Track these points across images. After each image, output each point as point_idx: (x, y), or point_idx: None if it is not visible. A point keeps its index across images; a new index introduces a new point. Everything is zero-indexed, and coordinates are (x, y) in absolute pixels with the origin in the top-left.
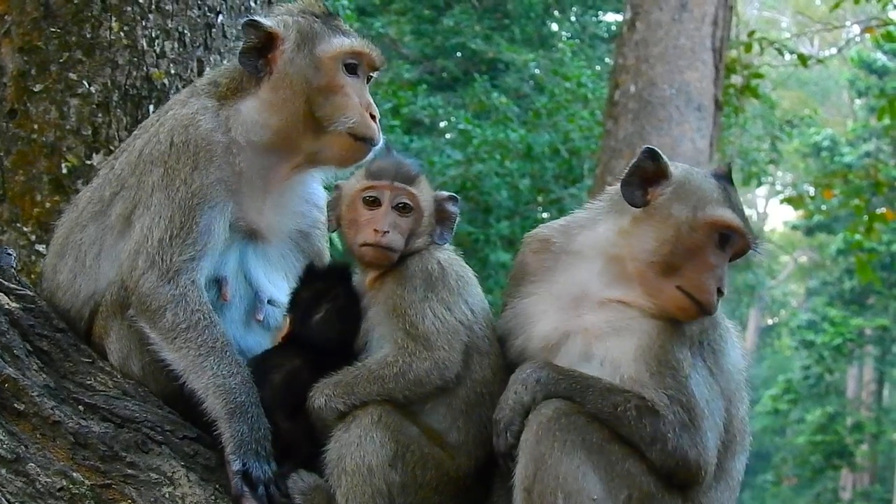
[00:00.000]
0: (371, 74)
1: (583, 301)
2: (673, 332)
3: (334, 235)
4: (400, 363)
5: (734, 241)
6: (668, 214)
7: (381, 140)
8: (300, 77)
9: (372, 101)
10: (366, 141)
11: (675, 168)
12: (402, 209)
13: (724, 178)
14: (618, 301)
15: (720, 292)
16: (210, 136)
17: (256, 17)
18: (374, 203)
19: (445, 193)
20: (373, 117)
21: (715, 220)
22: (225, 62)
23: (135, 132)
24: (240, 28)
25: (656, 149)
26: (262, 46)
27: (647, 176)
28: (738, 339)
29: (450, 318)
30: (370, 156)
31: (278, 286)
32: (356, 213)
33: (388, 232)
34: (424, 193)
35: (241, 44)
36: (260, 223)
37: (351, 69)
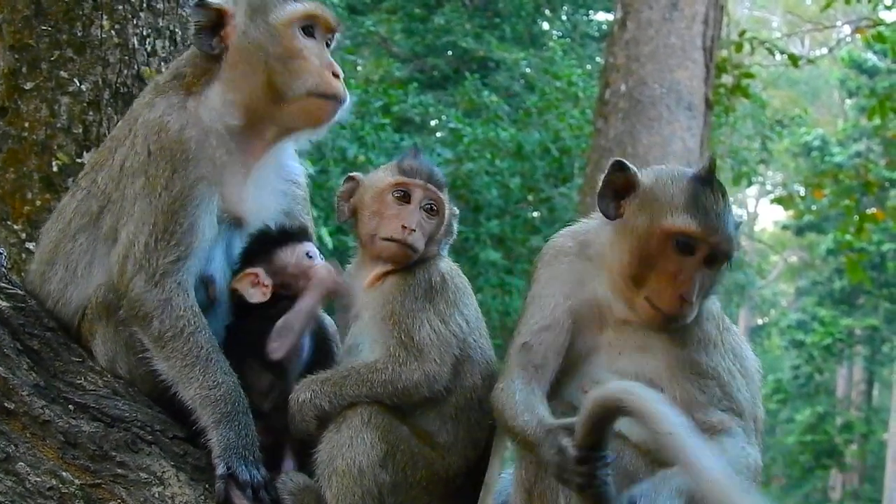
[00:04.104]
0: (330, 38)
1: (600, 314)
2: (691, 340)
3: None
4: (390, 371)
5: (698, 246)
6: (633, 226)
7: (347, 97)
8: (256, 47)
9: (333, 61)
10: (329, 98)
11: (646, 177)
12: (430, 211)
13: (702, 179)
14: (626, 321)
15: (684, 300)
16: (181, 136)
17: None
18: (403, 199)
19: (455, 209)
20: (335, 76)
21: (667, 228)
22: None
23: (108, 142)
24: (192, 12)
25: (624, 160)
26: (214, 25)
27: (618, 188)
28: (745, 341)
29: (444, 330)
30: (340, 114)
31: None
32: (383, 206)
33: (414, 230)
34: (447, 201)
35: (193, 27)
36: (242, 209)
37: (308, 32)
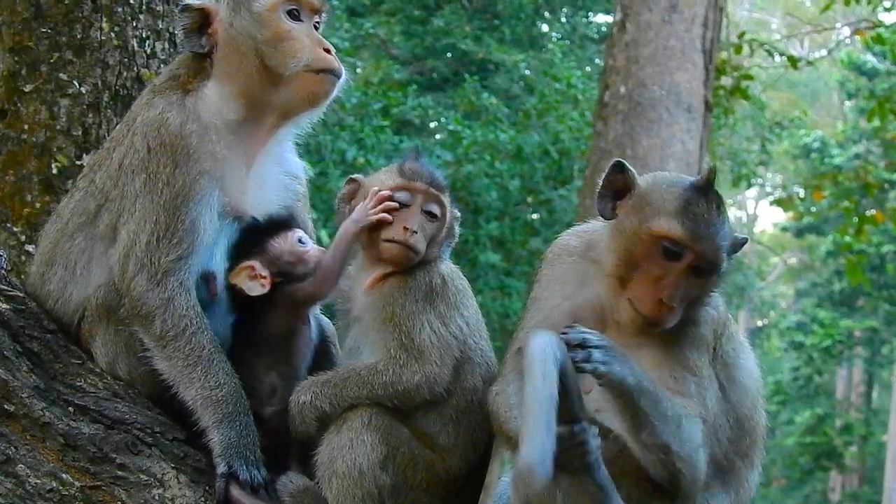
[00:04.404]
0: (317, 20)
1: (601, 315)
2: (685, 337)
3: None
4: (390, 373)
5: (684, 253)
6: (624, 226)
7: (343, 72)
8: (244, 37)
9: (323, 39)
10: (326, 72)
11: (644, 180)
12: (430, 215)
13: (698, 188)
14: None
15: (664, 304)
16: (182, 131)
17: (187, 1)
18: (404, 203)
19: (457, 212)
20: (327, 51)
21: (654, 231)
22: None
23: (106, 144)
24: (177, 17)
25: (624, 162)
26: (201, 25)
27: (617, 189)
28: (751, 352)
29: (444, 332)
30: (337, 89)
31: None
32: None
33: (416, 233)
34: (448, 205)
35: (182, 30)
36: (244, 202)
37: (293, 16)
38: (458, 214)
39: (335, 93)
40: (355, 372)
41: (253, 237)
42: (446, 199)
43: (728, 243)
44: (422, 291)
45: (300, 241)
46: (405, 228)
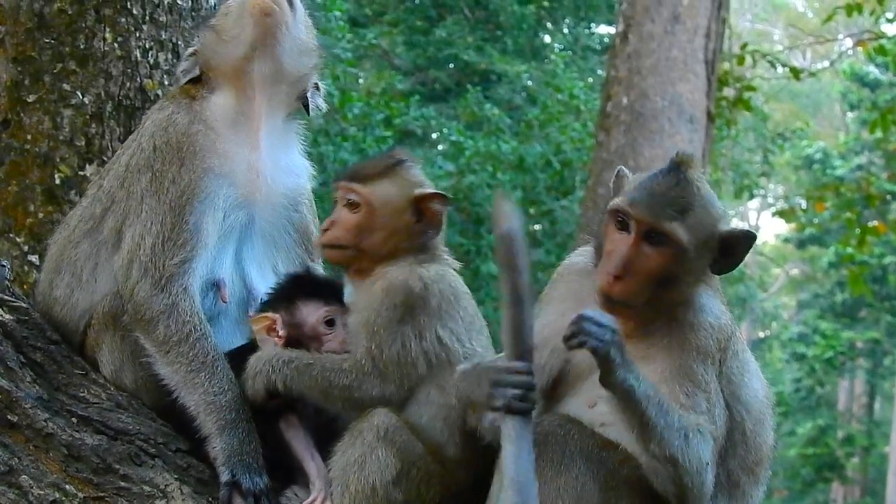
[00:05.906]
0: None
1: None
2: (689, 347)
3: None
4: (353, 377)
5: (629, 222)
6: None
7: None
8: (210, 36)
9: None
10: None
11: (631, 177)
12: (350, 205)
13: (663, 169)
14: (629, 335)
15: (609, 274)
16: (189, 129)
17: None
18: (335, 204)
19: (428, 191)
20: None
21: (608, 208)
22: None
23: (118, 151)
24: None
25: (622, 167)
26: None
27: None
28: (758, 370)
29: (416, 347)
30: (283, 13)
31: (270, 281)
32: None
33: (327, 230)
34: (383, 190)
35: (182, 73)
36: (257, 188)
37: None
38: (429, 192)
39: (281, 13)
40: (320, 363)
41: (291, 289)
42: (368, 187)
43: (689, 216)
44: (400, 298)
45: (327, 322)
46: (322, 230)
